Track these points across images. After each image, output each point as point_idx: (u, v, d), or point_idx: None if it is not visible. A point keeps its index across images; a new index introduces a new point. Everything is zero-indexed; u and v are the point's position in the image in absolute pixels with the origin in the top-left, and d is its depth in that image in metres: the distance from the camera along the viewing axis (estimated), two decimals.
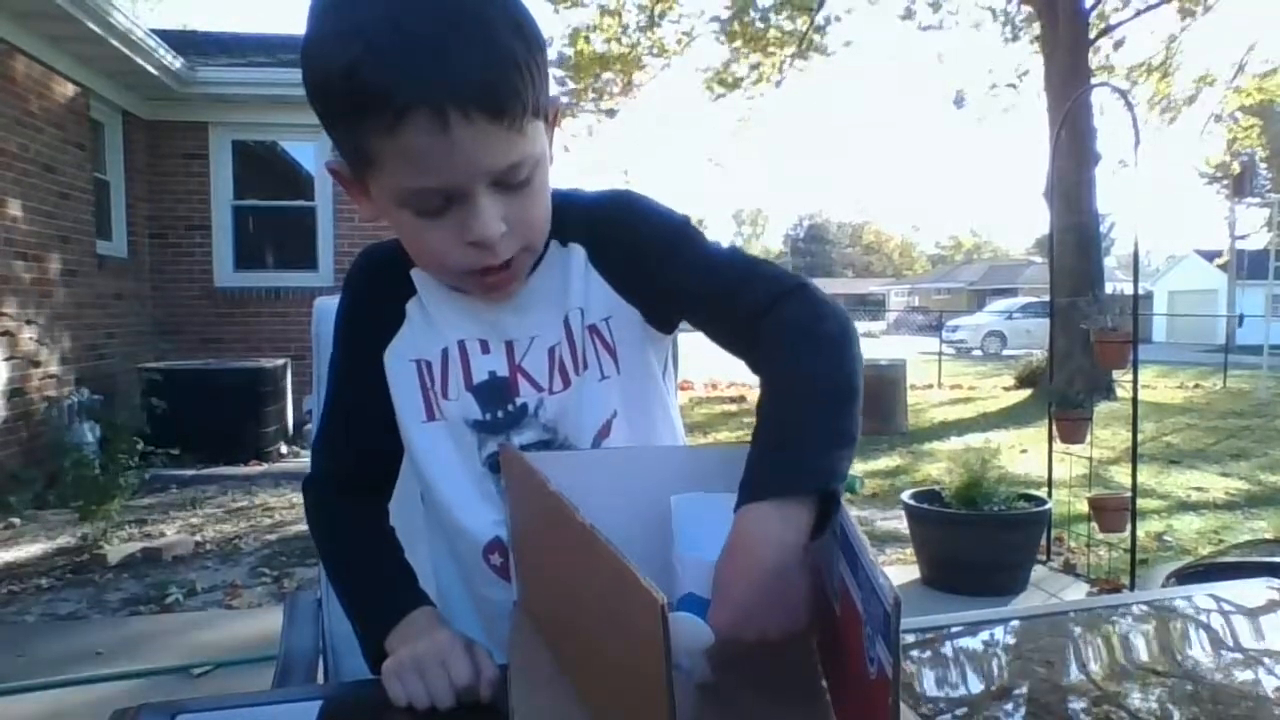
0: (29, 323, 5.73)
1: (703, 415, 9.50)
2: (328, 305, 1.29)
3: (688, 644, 0.62)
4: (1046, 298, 5.79)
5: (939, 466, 6.57)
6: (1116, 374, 9.25)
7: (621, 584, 0.51)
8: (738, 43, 12.48)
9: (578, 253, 0.92)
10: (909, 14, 12.85)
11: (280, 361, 7.09)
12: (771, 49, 12.64)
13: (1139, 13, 11.57)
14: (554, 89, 0.85)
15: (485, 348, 0.92)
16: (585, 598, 0.63)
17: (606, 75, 12.70)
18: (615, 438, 0.92)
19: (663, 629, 0.46)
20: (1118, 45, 12.34)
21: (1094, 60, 11.02)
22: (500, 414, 0.92)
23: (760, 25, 12.34)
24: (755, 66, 12.92)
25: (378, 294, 0.95)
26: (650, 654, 0.48)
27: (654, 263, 0.89)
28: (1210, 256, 29.97)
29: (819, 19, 12.51)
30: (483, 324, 0.92)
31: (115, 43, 6.37)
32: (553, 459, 0.84)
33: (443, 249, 0.81)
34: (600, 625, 0.61)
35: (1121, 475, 5.66)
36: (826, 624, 0.66)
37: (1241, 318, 20.83)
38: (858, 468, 6.28)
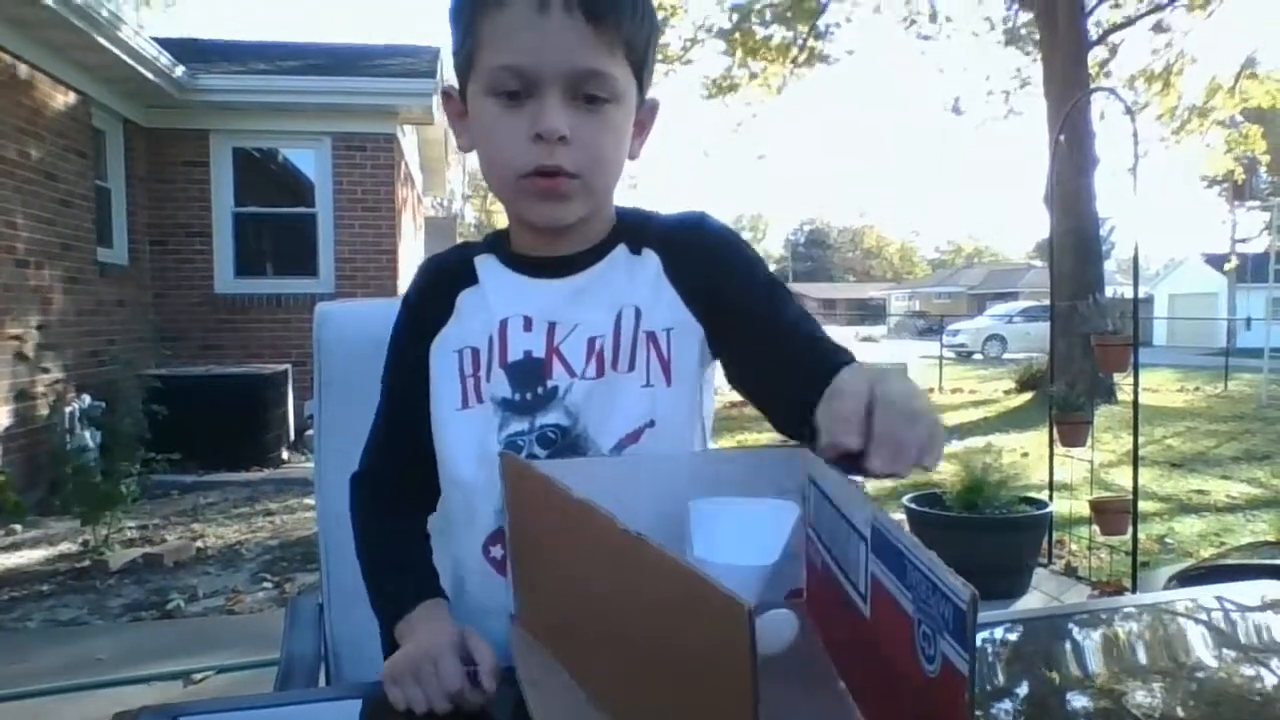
0: (31, 329, 5.73)
1: None
2: (329, 311, 1.30)
3: (774, 641, 0.61)
4: (1047, 301, 5.80)
5: (940, 469, 6.57)
6: (1117, 377, 9.29)
7: (691, 592, 0.51)
8: (739, 52, 12.47)
9: (651, 260, 0.93)
10: (911, 21, 12.86)
11: (281, 367, 7.10)
12: (773, 57, 12.62)
13: (1129, 21, 11.56)
14: None
15: (528, 325, 0.92)
16: (628, 608, 0.62)
17: None
18: (645, 448, 0.90)
19: (749, 635, 0.46)
20: (1113, 51, 12.33)
21: (1094, 67, 11.02)
22: (529, 395, 0.91)
23: (762, 33, 12.33)
24: (755, 75, 12.91)
25: (431, 292, 0.99)
26: (735, 661, 0.47)
27: (732, 279, 0.91)
28: (1218, 261, 29.82)
29: (820, 25, 12.50)
30: (532, 303, 0.93)
31: (116, 51, 6.38)
32: (567, 466, 0.82)
33: (509, 141, 0.87)
34: (655, 634, 0.59)
35: (1123, 478, 5.66)
36: (842, 627, 0.65)
37: (1249, 320, 20.80)
38: None
